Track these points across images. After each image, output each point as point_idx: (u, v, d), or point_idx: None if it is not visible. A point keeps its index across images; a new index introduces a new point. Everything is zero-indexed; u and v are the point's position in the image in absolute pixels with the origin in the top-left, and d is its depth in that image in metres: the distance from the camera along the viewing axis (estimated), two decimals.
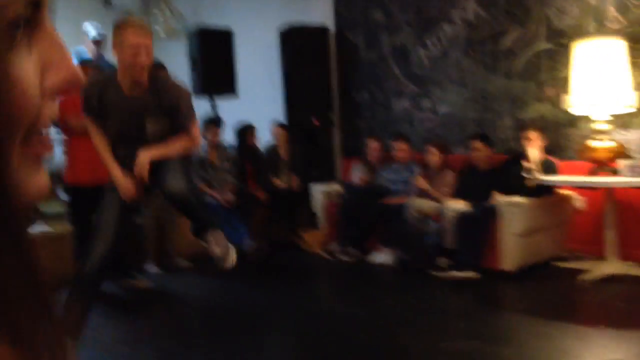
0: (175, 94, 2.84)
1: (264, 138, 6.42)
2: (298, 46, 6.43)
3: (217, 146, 5.76)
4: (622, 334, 3.26)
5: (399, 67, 6.30)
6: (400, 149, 5.53)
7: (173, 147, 2.86)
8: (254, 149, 6.15)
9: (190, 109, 2.92)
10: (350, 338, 3.42)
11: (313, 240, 5.74)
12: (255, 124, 6.37)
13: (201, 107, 6.11)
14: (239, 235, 5.40)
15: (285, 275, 4.98)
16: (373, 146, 5.83)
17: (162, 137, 2.86)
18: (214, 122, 5.82)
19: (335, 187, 5.95)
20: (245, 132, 6.27)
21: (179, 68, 5.98)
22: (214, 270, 5.09)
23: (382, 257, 5.07)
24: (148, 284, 4.59)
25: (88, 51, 5.53)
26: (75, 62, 0.42)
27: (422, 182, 5.14)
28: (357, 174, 5.77)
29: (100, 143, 2.89)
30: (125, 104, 2.78)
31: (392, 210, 5.13)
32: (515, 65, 5.44)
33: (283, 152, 6.13)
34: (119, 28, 2.64)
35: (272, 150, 6.19)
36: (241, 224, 5.46)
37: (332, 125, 6.69)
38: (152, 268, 5.02)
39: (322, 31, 6.59)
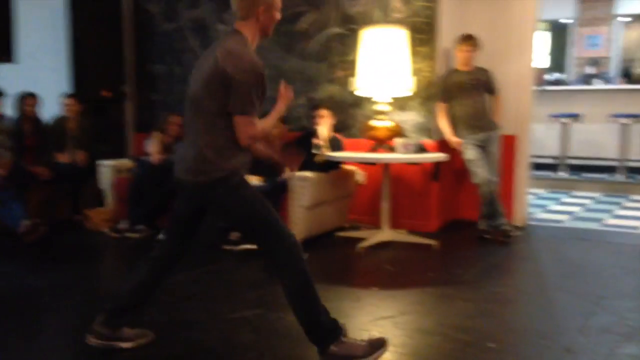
0: None
1: (51, 110, 5.89)
2: (89, 12, 6.01)
3: None
4: (390, 293, 3.58)
5: (199, 42, 6.20)
6: None
7: None
8: (35, 120, 5.63)
9: None
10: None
11: (99, 218, 5.44)
12: (39, 94, 5.82)
13: None
14: (14, 215, 4.93)
15: (66, 256, 4.65)
16: (174, 121, 5.68)
17: None
18: None
19: (125, 163, 5.70)
20: (25, 101, 5.70)
21: None
22: None
23: None
24: None
25: None
26: None
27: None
28: (150, 150, 5.57)
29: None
30: None
31: None
32: (309, 47, 5.65)
33: (72, 125, 5.72)
34: None
35: (59, 122, 5.73)
36: (17, 202, 4.98)
37: (124, 98, 6.38)
38: None
39: None
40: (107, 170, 5.64)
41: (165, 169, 5.33)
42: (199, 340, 2.92)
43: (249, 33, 2.54)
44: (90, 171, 5.66)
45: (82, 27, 6.02)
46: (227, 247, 4.63)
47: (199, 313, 3.29)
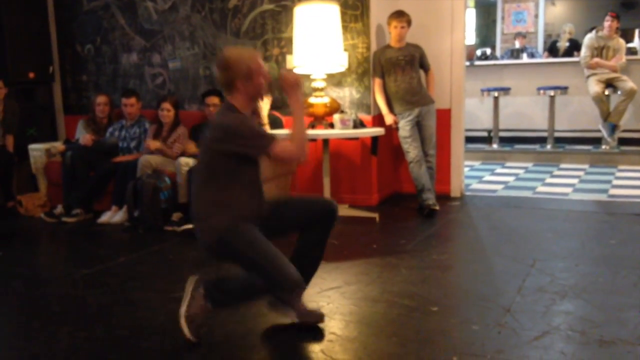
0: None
1: None
2: None
3: None
4: (336, 265, 3.63)
5: (126, 20, 6.01)
6: (130, 104, 5.31)
7: None
8: None
9: None
10: (80, 298, 3.24)
11: (32, 204, 5.25)
12: None
13: None
14: None
15: (1, 243, 4.48)
16: (101, 101, 5.50)
17: None
18: None
19: (57, 146, 5.50)
20: None
21: None
22: None
23: (113, 216, 4.87)
24: None
25: None
26: None
27: (153, 144, 5.01)
28: (82, 132, 5.40)
29: None
30: None
31: (123, 168, 4.94)
32: (242, 24, 5.58)
33: None
34: None
35: None
36: None
37: (52, 80, 6.14)
38: None
39: None
40: (39, 154, 5.43)
41: (97, 150, 5.19)
42: (146, 319, 2.89)
43: (238, 103, 2.55)
44: (21, 156, 5.45)
45: (5, 8, 5.76)
46: (170, 228, 4.57)
47: (145, 292, 3.24)
